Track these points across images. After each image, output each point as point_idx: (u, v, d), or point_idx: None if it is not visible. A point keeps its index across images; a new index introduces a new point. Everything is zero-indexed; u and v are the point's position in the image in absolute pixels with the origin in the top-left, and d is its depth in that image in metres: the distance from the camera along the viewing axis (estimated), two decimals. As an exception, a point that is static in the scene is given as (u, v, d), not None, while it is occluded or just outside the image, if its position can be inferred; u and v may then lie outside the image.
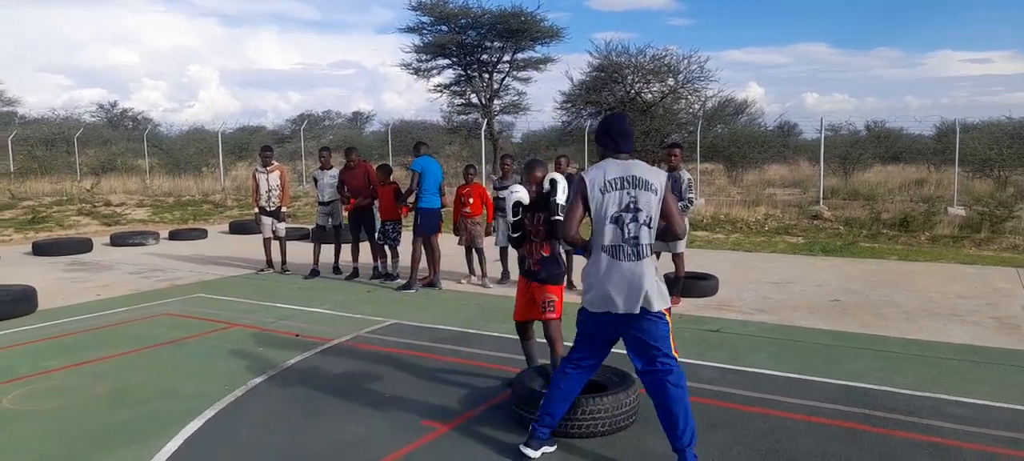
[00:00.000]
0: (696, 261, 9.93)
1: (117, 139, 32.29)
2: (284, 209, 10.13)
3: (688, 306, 7.46)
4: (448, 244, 9.45)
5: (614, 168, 3.50)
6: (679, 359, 3.54)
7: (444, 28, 26.94)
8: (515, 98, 28.48)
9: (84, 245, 12.46)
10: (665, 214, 3.49)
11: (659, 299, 3.43)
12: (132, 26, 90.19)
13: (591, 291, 3.52)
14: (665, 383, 3.45)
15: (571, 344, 3.77)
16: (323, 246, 9.92)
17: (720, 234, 13.77)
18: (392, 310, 7.50)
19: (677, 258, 7.50)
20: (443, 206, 8.83)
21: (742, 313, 7.27)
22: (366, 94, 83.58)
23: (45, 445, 4.04)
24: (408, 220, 9.27)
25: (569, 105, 26.56)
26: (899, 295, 8.05)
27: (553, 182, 4.15)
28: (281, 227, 10.09)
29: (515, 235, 4.45)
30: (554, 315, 4.40)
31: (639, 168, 3.51)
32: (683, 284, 7.63)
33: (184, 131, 33.74)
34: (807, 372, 5.22)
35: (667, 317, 3.48)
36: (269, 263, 10.16)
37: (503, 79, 28.14)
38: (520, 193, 4.34)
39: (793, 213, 15.54)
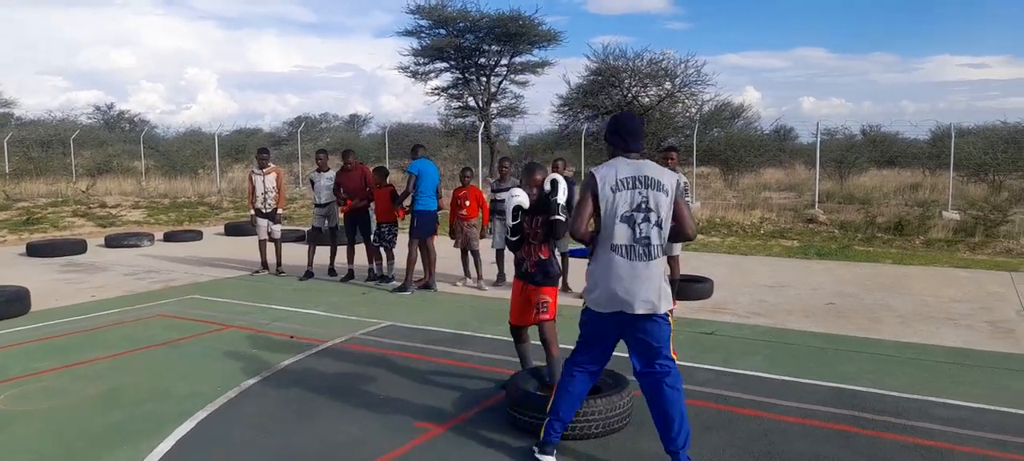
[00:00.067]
0: (691, 264, 9.94)
1: (113, 141, 32.22)
2: (280, 211, 10.11)
3: (683, 309, 7.46)
4: (444, 246, 9.45)
5: (625, 167, 3.47)
6: (677, 361, 3.54)
7: (442, 32, 26.98)
8: (512, 101, 28.53)
9: (78, 246, 12.43)
10: (677, 215, 3.48)
11: (665, 301, 3.43)
12: (131, 28, 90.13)
13: (597, 291, 3.49)
14: (662, 385, 3.44)
15: (573, 346, 3.75)
16: (318, 248, 9.91)
17: (716, 237, 13.79)
18: (387, 312, 7.49)
19: (672, 261, 7.50)
20: (440, 208, 8.83)
21: (737, 316, 7.28)
22: (364, 97, 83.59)
23: (38, 446, 4.02)
24: (404, 222, 9.27)
25: (566, 108, 26.61)
26: (893, 299, 8.07)
27: (554, 182, 4.15)
28: (277, 229, 10.07)
29: (514, 239, 4.45)
30: (548, 316, 4.41)
31: (650, 168, 3.49)
32: (678, 287, 7.63)
33: (181, 133, 33.69)
34: (801, 375, 5.23)
35: (670, 319, 3.49)
36: (264, 265, 10.14)
37: (500, 82, 28.18)
38: (520, 197, 4.33)
39: (789, 217, 15.57)
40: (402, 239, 9.16)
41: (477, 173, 18.90)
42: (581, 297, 8.35)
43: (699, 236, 13.73)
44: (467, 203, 8.94)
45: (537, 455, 3.69)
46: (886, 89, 69.71)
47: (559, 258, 4.66)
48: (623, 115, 3.71)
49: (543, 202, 4.27)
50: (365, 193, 9.33)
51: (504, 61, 27.80)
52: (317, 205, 9.91)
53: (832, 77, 75.95)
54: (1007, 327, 6.75)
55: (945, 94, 68.21)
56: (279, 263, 10.08)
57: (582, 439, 3.92)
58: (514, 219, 4.37)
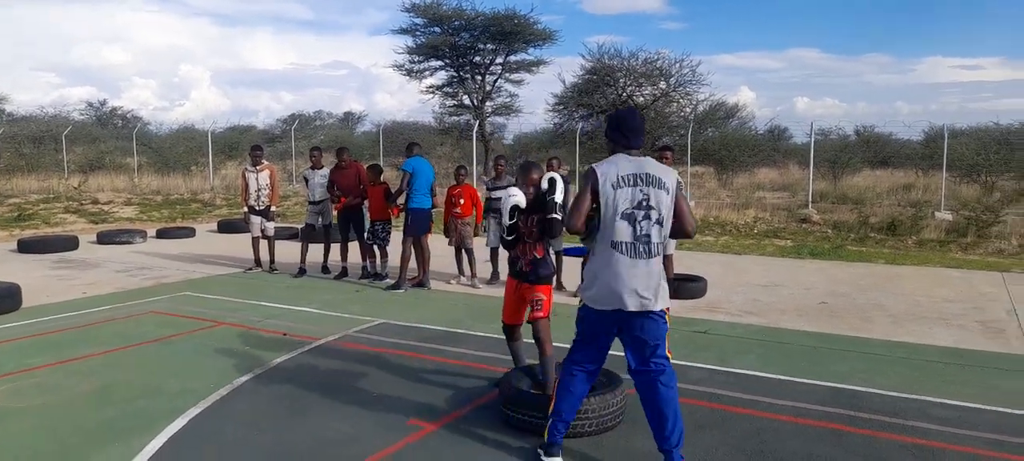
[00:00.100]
0: (685, 263, 9.96)
1: (106, 137, 32.02)
2: (273, 208, 10.09)
3: (677, 308, 7.46)
4: (438, 244, 9.45)
5: (627, 164, 3.44)
6: (671, 360, 3.54)
7: (437, 30, 26.95)
8: (507, 100, 28.53)
9: (70, 243, 12.37)
10: (677, 213, 3.46)
11: (663, 299, 3.42)
12: (125, 25, 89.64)
13: (595, 288, 3.47)
14: (657, 383, 3.44)
15: (569, 345, 3.74)
16: (312, 246, 9.89)
17: (709, 237, 13.82)
18: (380, 310, 7.48)
19: (667, 259, 7.48)
20: (434, 207, 8.82)
21: (730, 315, 7.30)
22: (358, 95, 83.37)
23: (32, 442, 4.00)
24: (398, 221, 9.26)
25: (561, 107, 26.61)
26: (886, 298, 8.11)
27: (552, 181, 4.14)
28: (270, 226, 10.05)
29: (510, 238, 4.44)
30: (542, 314, 4.39)
31: (652, 166, 3.46)
32: (673, 286, 7.65)
33: (174, 130, 33.55)
34: (794, 374, 5.24)
35: (667, 317, 3.48)
36: (257, 262, 10.11)
37: (495, 81, 28.18)
38: (517, 197, 4.31)
39: (782, 216, 15.61)
40: (395, 237, 9.15)
41: (472, 171, 18.89)
42: (575, 295, 8.37)
43: (684, 239, 13.73)
44: (461, 201, 8.93)
45: (544, 458, 3.65)
46: (880, 90, 70.01)
47: (553, 256, 4.65)
48: (624, 111, 3.67)
49: (540, 201, 4.26)
50: (359, 191, 9.31)
51: (499, 60, 27.80)
52: (311, 202, 9.89)
53: (826, 78, 76.22)
54: (998, 327, 6.78)
55: (938, 95, 68.53)
56: (272, 260, 10.05)
57: (576, 437, 3.92)
58: (511, 219, 4.36)
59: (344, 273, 9.47)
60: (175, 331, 6.54)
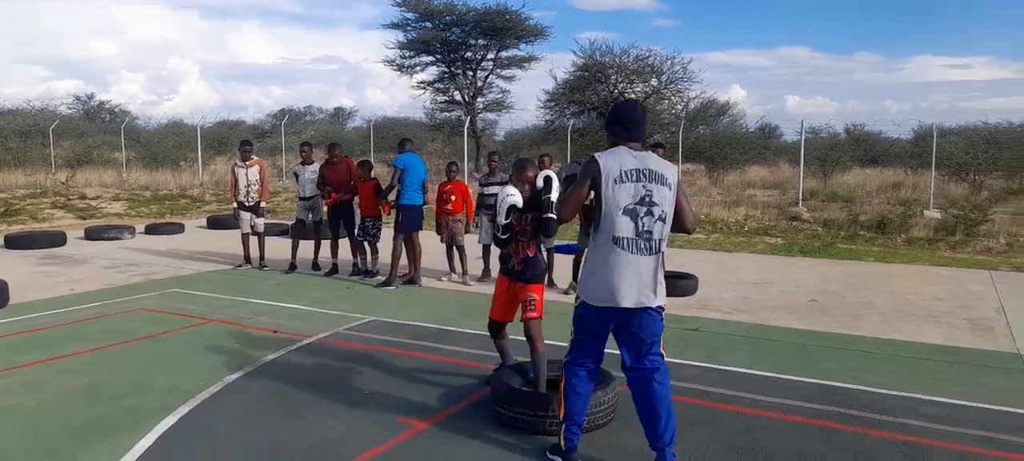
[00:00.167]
0: (676, 261, 9.99)
1: (93, 131, 31.75)
2: (263, 204, 10.04)
3: (667, 305, 7.45)
4: (429, 241, 9.43)
5: (630, 159, 3.38)
6: (664, 357, 3.53)
7: (428, 25, 26.92)
8: (499, 96, 28.58)
9: (58, 238, 12.26)
10: (677, 209, 3.43)
11: (661, 295, 3.41)
12: (113, 17, 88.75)
13: (595, 284, 3.41)
14: (652, 381, 3.42)
15: (560, 343, 3.72)
16: (302, 242, 9.85)
17: (700, 234, 13.86)
18: (371, 307, 7.46)
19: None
20: (425, 203, 8.80)
21: (721, 312, 7.33)
22: (349, 90, 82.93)
23: (20, 440, 3.97)
24: (389, 218, 9.23)
25: (553, 104, 26.67)
26: (875, 296, 8.16)
27: (548, 179, 4.12)
28: (260, 222, 10.00)
29: (504, 237, 4.43)
30: (535, 314, 4.38)
31: (653, 161, 3.41)
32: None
33: (162, 124, 33.30)
34: (784, 371, 5.27)
35: (662, 314, 3.47)
36: (247, 258, 10.06)
37: (487, 77, 28.20)
38: (515, 197, 4.28)
39: (773, 214, 15.68)
40: (386, 234, 9.12)
41: (463, 168, 18.86)
42: (566, 292, 8.37)
43: (683, 234, 13.77)
44: (453, 198, 8.91)
45: None
46: (870, 88, 70.33)
47: (544, 254, 4.64)
48: (625, 104, 3.62)
49: (535, 199, 4.25)
50: (350, 187, 9.28)
51: (490, 55, 27.82)
52: (301, 198, 9.84)
53: (817, 76, 76.52)
54: (986, 325, 6.84)
55: (928, 94, 68.94)
56: (262, 257, 10.00)
57: (559, 429, 3.92)
58: (506, 218, 4.34)
59: (334, 270, 9.43)
60: (165, 328, 6.50)
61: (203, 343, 5.96)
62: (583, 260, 3.62)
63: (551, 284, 8.39)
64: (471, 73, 28.06)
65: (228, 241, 12.11)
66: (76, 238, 13.07)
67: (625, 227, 3.33)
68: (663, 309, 3.45)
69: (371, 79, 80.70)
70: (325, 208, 9.66)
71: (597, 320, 3.49)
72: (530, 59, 28.09)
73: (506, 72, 28.40)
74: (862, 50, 76.00)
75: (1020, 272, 9.99)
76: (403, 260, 8.71)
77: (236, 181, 9.91)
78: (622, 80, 25.33)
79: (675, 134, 21.06)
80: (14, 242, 11.89)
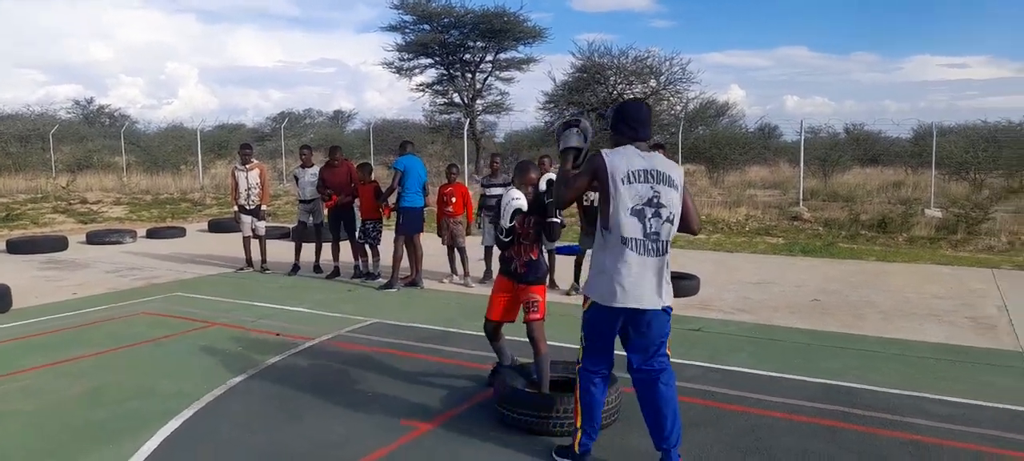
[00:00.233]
0: (677, 261, 9.95)
1: (93, 136, 31.76)
2: (264, 207, 10.04)
3: (670, 306, 7.49)
4: (431, 243, 9.42)
5: (638, 159, 3.34)
6: (670, 359, 3.51)
7: (426, 27, 26.92)
8: (498, 98, 28.59)
9: (59, 243, 12.25)
10: (684, 210, 3.41)
11: (669, 296, 3.38)
12: (109, 21, 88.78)
13: (603, 282, 3.35)
14: (658, 383, 3.40)
15: (561, 343, 3.71)
16: (304, 245, 9.85)
17: (701, 234, 13.85)
18: (373, 309, 7.45)
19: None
20: (426, 205, 8.80)
21: (723, 313, 7.32)
22: (348, 92, 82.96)
23: (23, 444, 3.96)
24: (389, 221, 9.24)
25: (552, 105, 26.68)
26: (877, 295, 8.15)
27: (551, 183, 4.13)
28: (261, 225, 10.00)
29: (507, 240, 4.42)
30: (538, 316, 4.39)
31: (661, 162, 3.38)
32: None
33: (162, 128, 33.30)
34: (787, 371, 5.26)
35: (671, 315, 3.45)
36: (249, 262, 10.06)
37: (486, 79, 28.21)
38: (520, 200, 4.26)
39: (773, 214, 15.68)
40: (387, 236, 9.12)
41: (463, 170, 18.86)
42: (568, 294, 8.35)
43: (684, 234, 13.78)
44: (453, 200, 8.91)
45: None
46: (868, 88, 70.32)
47: (546, 256, 4.64)
48: (630, 102, 3.58)
49: (538, 202, 4.25)
50: (350, 189, 9.28)
51: (489, 57, 27.83)
52: (301, 201, 9.84)
53: (815, 76, 76.49)
54: (989, 323, 6.83)
55: (926, 93, 68.92)
56: (264, 260, 10.00)
57: (569, 435, 3.91)
58: (511, 221, 4.33)
59: (336, 272, 9.43)
60: (167, 332, 6.49)
61: (206, 346, 5.95)
62: (590, 260, 3.58)
63: (553, 286, 8.38)
64: (470, 75, 28.08)
65: (229, 244, 12.11)
66: (78, 242, 13.06)
67: (633, 228, 3.29)
68: (671, 310, 3.43)
69: (370, 82, 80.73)
70: (325, 211, 9.67)
71: (607, 321, 3.43)
72: (528, 61, 28.10)
73: (505, 74, 28.43)
74: (860, 50, 76.02)
75: (1022, 270, 9.99)
76: (404, 262, 8.70)
77: (236, 184, 9.91)
78: (621, 81, 25.34)
79: (675, 135, 21.05)
80: (16, 247, 11.89)
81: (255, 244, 10.03)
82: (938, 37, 71.20)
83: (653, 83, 25.30)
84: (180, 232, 14.41)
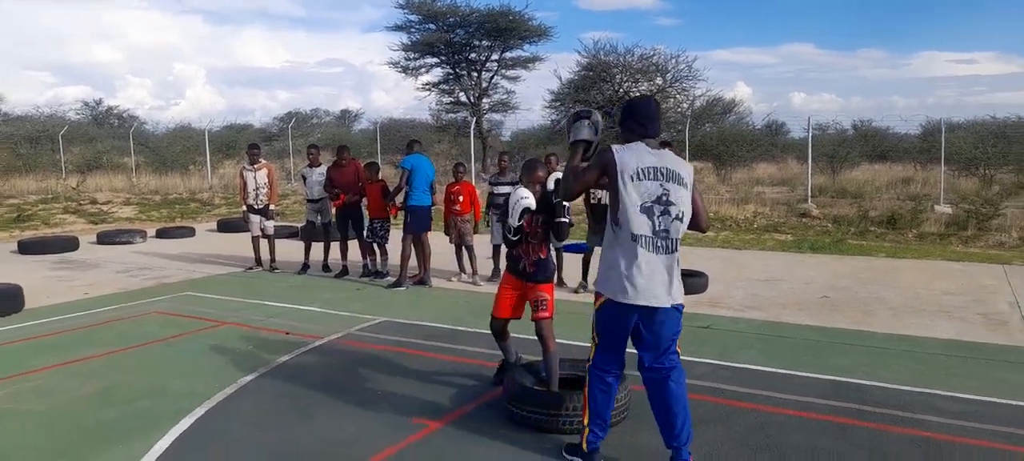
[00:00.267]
0: (686, 258, 9.91)
1: (102, 137, 31.92)
2: (272, 207, 10.08)
3: (678, 303, 7.47)
4: (439, 242, 9.44)
5: (648, 156, 3.33)
6: (680, 356, 3.50)
7: (432, 26, 26.92)
8: (504, 96, 28.55)
9: (70, 243, 12.35)
10: (693, 208, 3.40)
11: (680, 294, 3.36)
12: (116, 23, 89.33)
13: (615, 278, 3.32)
14: (668, 381, 3.40)
15: (570, 341, 3.70)
16: (313, 244, 9.89)
17: (709, 232, 13.83)
18: (382, 308, 7.47)
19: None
20: (434, 204, 8.81)
21: (732, 310, 7.30)
22: (354, 92, 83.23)
23: (34, 444, 3.99)
24: (397, 220, 9.25)
25: (558, 104, 26.63)
26: (887, 292, 8.11)
27: (558, 182, 4.13)
28: (269, 225, 10.04)
29: (515, 239, 4.42)
30: (547, 314, 4.39)
31: (671, 159, 3.37)
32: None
33: (170, 129, 33.46)
34: (797, 368, 5.25)
35: (681, 313, 3.43)
36: (258, 261, 10.10)
37: (492, 77, 28.18)
38: (528, 199, 4.25)
39: (782, 211, 15.62)
40: (395, 235, 9.14)
41: (470, 168, 18.88)
42: (576, 292, 8.34)
43: (692, 232, 13.75)
44: (460, 198, 8.91)
45: None
46: (876, 84, 69.92)
47: (554, 253, 4.64)
48: (639, 99, 3.56)
49: (545, 201, 4.26)
50: (358, 188, 9.31)
51: (495, 56, 27.80)
52: (309, 200, 9.88)
53: (821, 72, 76.14)
54: (1000, 319, 6.79)
55: (934, 89, 68.50)
56: (273, 259, 10.04)
57: (578, 433, 3.91)
58: (519, 220, 4.32)
59: (345, 271, 9.46)
60: (178, 331, 6.53)
61: (216, 346, 5.99)
62: (599, 257, 3.54)
63: (560, 284, 8.38)
64: (476, 74, 28.06)
65: (238, 244, 12.17)
66: (88, 243, 13.16)
67: (643, 225, 3.27)
68: (682, 308, 3.42)
69: (376, 81, 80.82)
70: (333, 210, 9.70)
71: (620, 318, 3.39)
72: (534, 59, 28.06)
73: (511, 73, 28.40)
74: (867, 46, 75.66)
75: (1033, 266, 9.92)
76: (412, 261, 8.72)
77: (245, 184, 9.95)
78: (627, 79, 25.28)
79: (681, 133, 21.00)
80: (28, 247, 11.98)
81: (264, 243, 10.07)
82: (946, 33, 70.86)
83: (659, 81, 25.22)
84: (189, 232, 14.50)
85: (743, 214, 15.34)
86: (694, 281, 8.10)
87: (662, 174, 3.32)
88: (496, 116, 28.99)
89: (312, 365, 5.46)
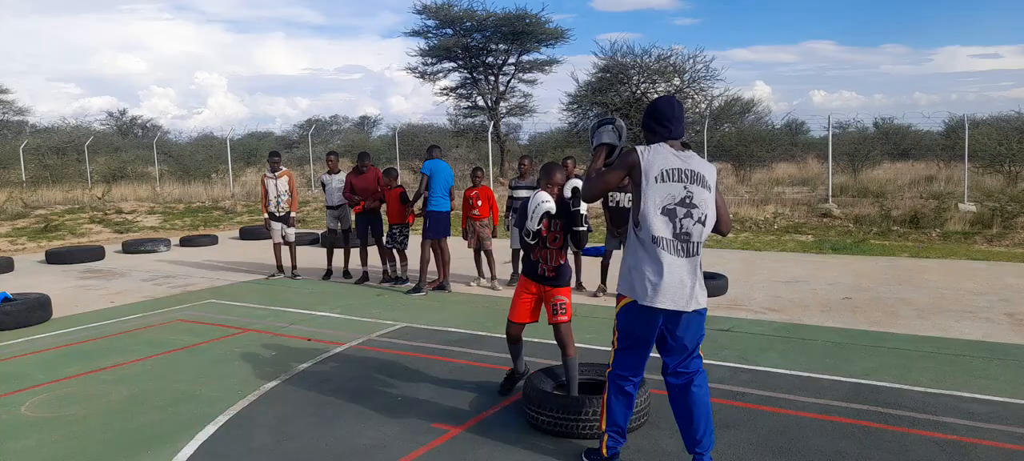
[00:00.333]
0: (705, 260, 9.88)
1: (127, 147, 32.46)
2: (293, 214, 10.18)
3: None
4: (458, 247, 9.48)
5: (673, 158, 3.30)
6: (702, 360, 3.49)
7: (449, 31, 27.05)
8: (521, 100, 28.62)
9: (97, 253, 12.56)
10: (716, 211, 3.38)
11: (703, 297, 3.33)
12: (140, 34, 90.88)
13: (637, 279, 3.29)
14: (691, 385, 3.38)
15: (588, 346, 3.71)
16: (335, 251, 9.99)
17: (729, 233, 13.74)
18: (402, 313, 7.53)
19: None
20: (453, 209, 8.86)
21: (753, 312, 7.26)
22: (373, 98, 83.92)
23: (63, 451, 4.08)
24: (416, 225, 9.31)
25: (575, 106, 26.61)
26: (911, 292, 8.02)
27: (575, 191, 4.15)
28: (290, 232, 10.15)
29: (533, 243, 4.44)
30: (566, 318, 4.41)
31: (696, 161, 3.34)
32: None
33: (193, 138, 33.93)
34: (819, 370, 5.21)
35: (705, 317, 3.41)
36: (279, 268, 10.21)
37: (509, 81, 28.25)
38: (549, 203, 4.24)
39: (802, 211, 15.48)
40: (414, 240, 9.20)
41: (488, 173, 18.93)
42: (595, 295, 8.34)
43: (713, 234, 13.67)
44: (479, 203, 8.95)
45: None
46: (897, 81, 69.08)
47: (572, 257, 4.66)
48: (662, 100, 3.50)
49: (565, 211, 4.28)
50: (378, 194, 9.39)
51: (512, 60, 27.87)
52: (329, 207, 9.97)
53: (842, 70, 75.39)
54: (1027, 319, 6.68)
55: (957, 85, 67.52)
56: (294, 265, 10.15)
57: (598, 437, 3.92)
58: (538, 223, 4.34)
59: (365, 277, 9.54)
60: (202, 339, 6.63)
61: (239, 353, 6.07)
62: (622, 259, 3.51)
63: (579, 287, 8.39)
64: (493, 78, 28.15)
65: (260, 251, 12.32)
66: (114, 252, 13.38)
67: (663, 227, 3.25)
68: (706, 312, 3.39)
69: (394, 87, 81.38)
70: (353, 216, 9.78)
71: (644, 322, 3.36)
72: (551, 62, 28.10)
73: (528, 76, 28.46)
74: (887, 42, 74.75)
75: (1061, 264, 9.75)
76: (432, 266, 8.77)
77: (266, 192, 10.07)
78: (644, 80, 25.19)
79: (700, 133, 20.87)
80: (55, 257, 12.21)
81: (285, 250, 10.19)
82: (969, 27, 69.78)
83: (677, 82, 25.10)
84: (212, 240, 14.69)
85: (763, 215, 15.22)
86: (714, 283, 8.06)
87: (686, 176, 3.28)
88: (514, 120, 29.07)
89: (333, 371, 5.51)
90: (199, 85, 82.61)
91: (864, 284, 8.56)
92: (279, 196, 10.02)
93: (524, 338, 4.71)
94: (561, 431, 4.01)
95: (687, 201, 3.26)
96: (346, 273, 9.88)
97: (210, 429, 4.31)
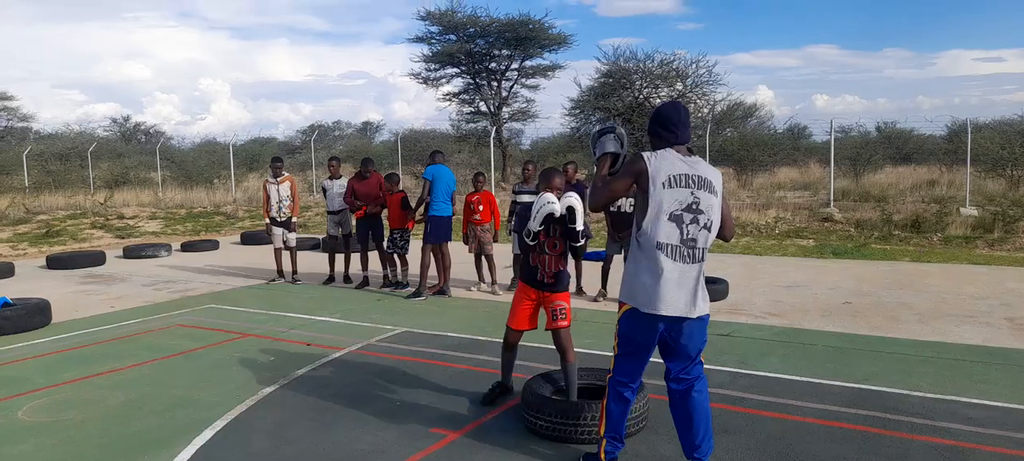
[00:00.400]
0: (706, 265, 9.89)
1: (130, 153, 32.55)
2: (294, 219, 10.19)
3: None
4: (458, 252, 9.48)
5: (680, 163, 3.26)
6: (703, 365, 3.47)
7: (453, 37, 27.14)
8: (524, 105, 28.68)
9: (97, 258, 12.57)
10: (721, 217, 3.36)
11: (706, 304, 3.31)
12: (145, 41, 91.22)
13: (640, 287, 3.27)
14: (692, 391, 3.36)
15: (587, 351, 3.70)
16: (336, 256, 10.00)
17: (732, 239, 13.71)
18: (402, 318, 7.52)
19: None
20: (454, 214, 8.86)
21: (753, 317, 7.24)
22: (376, 104, 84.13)
23: (61, 456, 4.07)
24: (416, 230, 9.31)
25: (578, 111, 26.63)
26: (911, 297, 8.00)
27: (571, 210, 4.17)
28: (292, 237, 10.15)
29: (532, 244, 4.43)
30: (565, 323, 4.40)
31: (703, 167, 3.31)
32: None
33: (196, 143, 34.09)
34: (819, 375, 5.19)
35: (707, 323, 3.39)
36: (280, 273, 10.22)
37: (511, 87, 28.31)
38: (553, 205, 4.21)
39: (804, 216, 15.47)
40: (415, 245, 9.19)
41: (490, 178, 18.93)
42: (595, 300, 8.33)
43: (716, 239, 13.64)
44: (480, 208, 8.95)
45: None
46: (900, 85, 69.07)
47: (572, 262, 4.66)
48: (667, 105, 3.46)
49: (563, 225, 4.30)
50: (380, 199, 9.40)
51: (514, 65, 27.95)
52: (330, 212, 9.98)
53: (844, 74, 75.40)
54: (1028, 324, 6.66)
55: (960, 89, 67.50)
56: (295, 271, 10.15)
57: (596, 442, 3.91)
58: (540, 225, 4.33)
59: (365, 282, 9.54)
60: (202, 343, 6.62)
61: (239, 358, 6.07)
62: (625, 265, 3.49)
63: (580, 292, 8.38)
64: (496, 83, 28.21)
65: (261, 256, 12.33)
66: (115, 257, 13.40)
67: (670, 233, 3.21)
68: (708, 318, 3.36)
69: (397, 93, 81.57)
70: (354, 221, 9.79)
71: (645, 328, 3.32)
72: (554, 68, 28.18)
73: (530, 81, 28.53)
74: (890, 46, 74.76)
75: (1063, 269, 9.72)
76: (432, 271, 8.76)
77: (268, 197, 10.08)
78: (647, 85, 25.22)
79: (702, 138, 20.87)
80: (56, 262, 12.22)
81: (286, 255, 10.19)
82: (972, 30, 69.75)
83: (680, 86, 25.12)
84: (214, 245, 14.69)
85: (764, 219, 15.21)
86: (714, 288, 8.03)
87: (693, 181, 3.25)
88: (516, 125, 29.11)
89: (332, 376, 5.51)
90: (203, 91, 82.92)
91: (865, 289, 8.54)
92: (281, 201, 10.03)
93: (523, 343, 4.70)
94: (559, 436, 4.00)
95: (694, 207, 3.23)
96: (347, 278, 9.88)
97: (208, 434, 4.31)
